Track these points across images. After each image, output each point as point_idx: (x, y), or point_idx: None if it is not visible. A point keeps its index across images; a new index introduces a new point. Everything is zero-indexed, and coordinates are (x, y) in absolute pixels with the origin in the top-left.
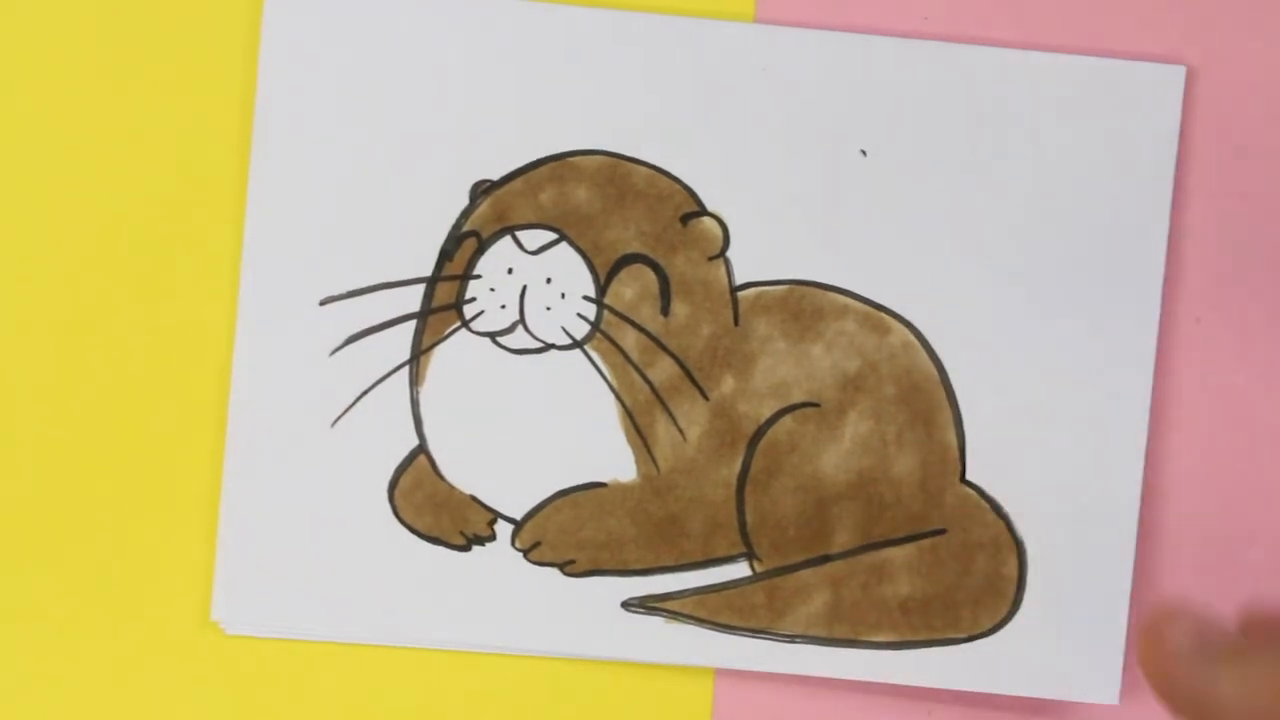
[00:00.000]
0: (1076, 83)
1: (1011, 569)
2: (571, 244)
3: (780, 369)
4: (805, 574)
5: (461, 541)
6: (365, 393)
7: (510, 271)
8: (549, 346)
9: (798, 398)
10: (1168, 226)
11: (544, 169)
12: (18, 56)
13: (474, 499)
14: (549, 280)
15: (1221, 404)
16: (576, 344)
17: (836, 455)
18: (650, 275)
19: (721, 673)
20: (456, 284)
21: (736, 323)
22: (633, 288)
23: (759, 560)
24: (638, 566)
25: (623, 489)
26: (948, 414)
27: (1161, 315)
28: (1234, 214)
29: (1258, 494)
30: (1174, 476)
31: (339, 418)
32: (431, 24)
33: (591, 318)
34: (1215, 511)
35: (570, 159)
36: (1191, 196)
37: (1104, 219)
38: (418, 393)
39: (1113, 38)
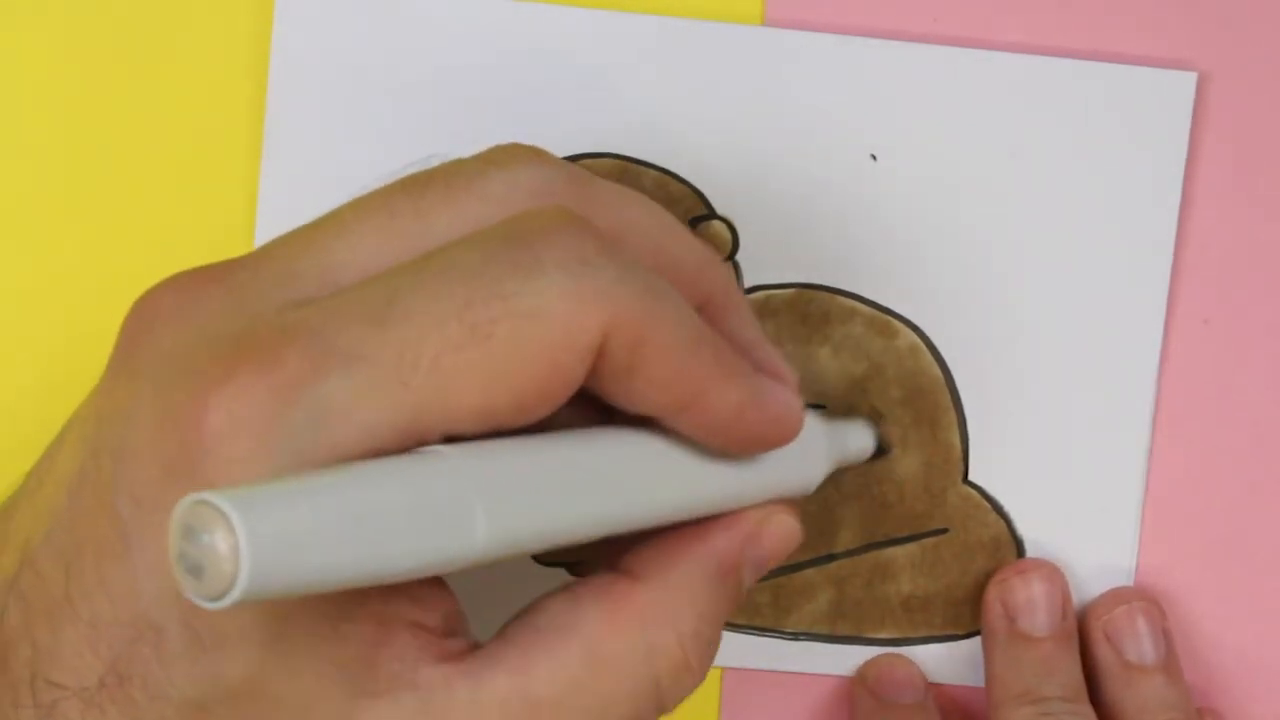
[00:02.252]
0: (1086, 87)
1: None
2: None
3: None
4: (809, 573)
5: None
6: None
7: None
8: None
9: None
10: (1175, 230)
11: None
12: (19, 48)
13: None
14: None
15: (1229, 405)
16: None
17: None
18: None
19: (728, 670)
20: None
21: None
22: None
23: None
24: None
25: None
26: (952, 416)
27: (1170, 316)
28: (1244, 217)
29: (1263, 496)
30: (1178, 478)
31: None
32: (441, 27)
33: None
34: (1219, 514)
35: (579, 162)
36: (1201, 199)
37: (1112, 224)
38: None
39: (1123, 42)
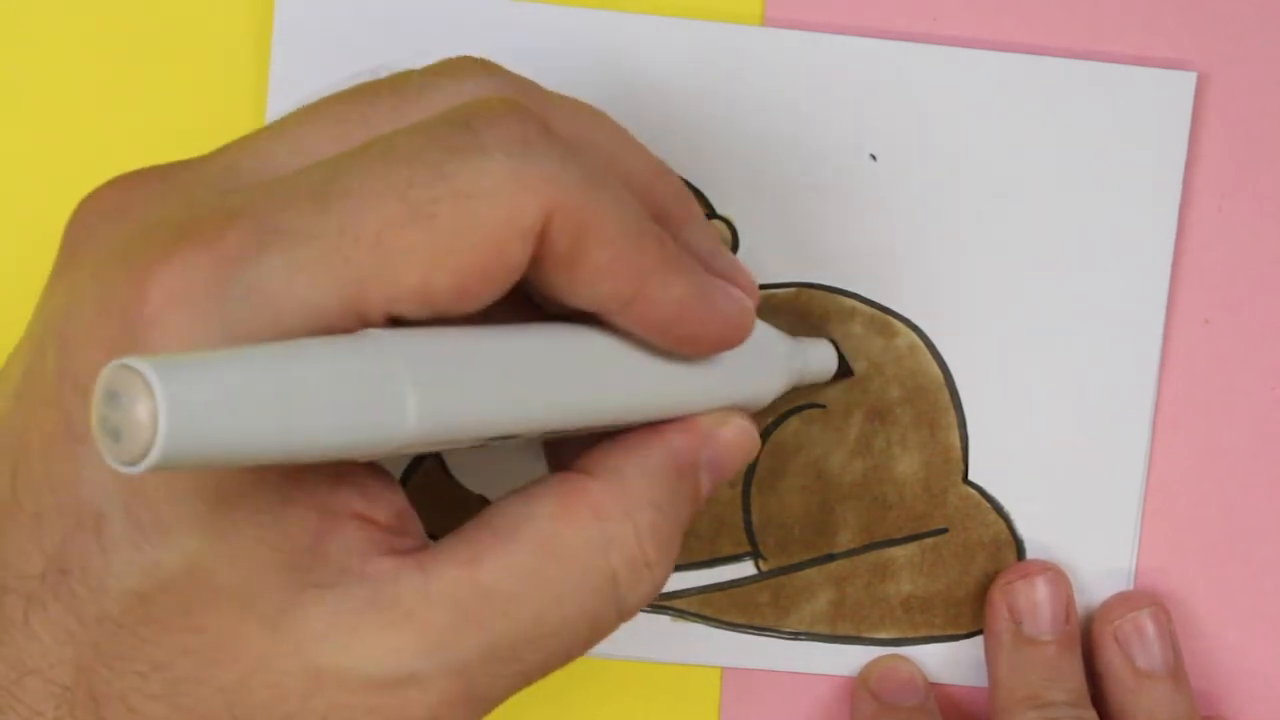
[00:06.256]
0: (1086, 87)
1: None
2: None
3: None
4: (809, 573)
5: None
6: None
7: None
8: None
9: (804, 399)
10: (1175, 230)
11: None
12: (20, 47)
13: (485, 500)
14: None
15: (1229, 405)
16: None
17: (841, 456)
18: None
19: (728, 670)
20: None
21: None
22: None
23: (764, 559)
24: None
25: None
26: (952, 416)
27: (1170, 316)
28: (1244, 217)
29: (1262, 496)
30: (1178, 478)
31: None
32: (441, 28)
33: None
34: (1219, 514)
35: None
36: (1201, 199)
37: (1112, 224)
38: None
39: (1123, 42)
